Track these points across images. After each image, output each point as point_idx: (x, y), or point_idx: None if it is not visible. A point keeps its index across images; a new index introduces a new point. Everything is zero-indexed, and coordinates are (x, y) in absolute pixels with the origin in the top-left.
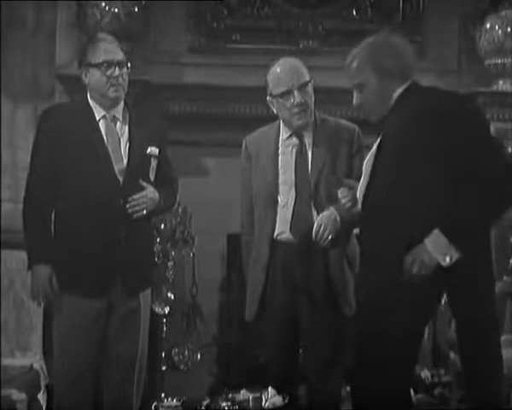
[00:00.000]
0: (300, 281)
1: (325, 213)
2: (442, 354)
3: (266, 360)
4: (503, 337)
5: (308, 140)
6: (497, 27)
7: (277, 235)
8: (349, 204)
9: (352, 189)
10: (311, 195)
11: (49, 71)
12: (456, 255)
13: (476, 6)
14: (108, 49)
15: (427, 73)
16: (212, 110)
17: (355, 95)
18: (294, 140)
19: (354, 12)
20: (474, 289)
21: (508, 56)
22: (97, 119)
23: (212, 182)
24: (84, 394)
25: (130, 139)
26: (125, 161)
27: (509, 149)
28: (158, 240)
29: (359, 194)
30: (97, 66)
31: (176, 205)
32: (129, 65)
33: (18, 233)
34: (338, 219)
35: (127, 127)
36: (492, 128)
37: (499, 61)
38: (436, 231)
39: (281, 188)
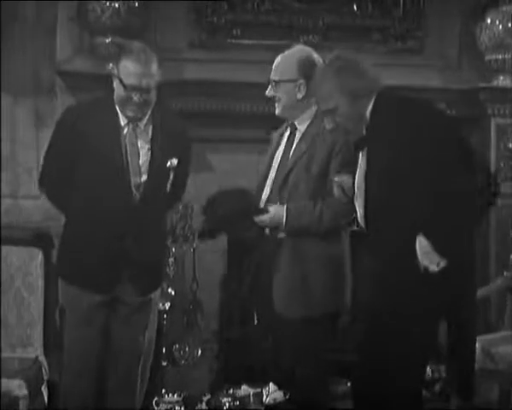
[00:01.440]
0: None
1: (275, 207)
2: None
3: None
4: (503, 334)
5: (299, 134)
6: (497, 22)
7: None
8: (344, 198)
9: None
10: (279, 186)
11: (50, 66)
12: (442, 262)
13: (477, 1)
14: (139, 71)
15: (427, 69)
16: (214, 106)
17: (326, 119)
18: (288, 132)
19: (355, 7)
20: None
21: (508, 52)
22: (122, 124)
23: (214, 178)
24: (87, 387)
25: (150, 151)
26: (142, 172)
27: (510, 145)
28: None
29: (359, 210)
30: (123, 84)
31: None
32: (154, 87)
33: (18, 229)
34: (282, 219)
35: (149, 138)
36: (493, 124)
37: (500, 56)
38: (420, 237)
39: (269, 177)
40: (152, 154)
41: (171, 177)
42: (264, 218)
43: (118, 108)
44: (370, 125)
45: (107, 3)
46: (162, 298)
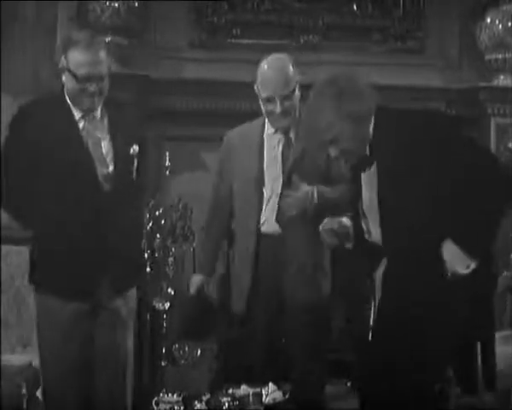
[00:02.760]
0: (284, 273)
1: (305, 186)
2: None
3: (256, 355)
4: (503, 333)
5: (294, 135)
6: (497, 22)
7: (262, 224)
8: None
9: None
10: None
11: (50, 66)
12: (472, 264)
13: (476, 1)
14: (89, 61)
15: (427, 69)
16: (213, 105)
17: (330, 148)
18: (280, 134)
19: (355, 7)
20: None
21: (508, 51)
22: (76, 119)
23: (211, 177)
24: (71, 394)
25: (111, 140)
26: (109, 162)
27: (510, 145)
28: (158, 235)
29: (373, 229)
30: (74, 76)
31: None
32: (107, 77)
33: (18, 228)
34: (314, 197)
35: (107, 127)
36: (492, 123)
37: (500, 55)
38: (447, 243)
39: (266, 179)
40: (114, 143)
41: (136, 164)
42: (298, 195)
43: (70, 102)
44: (375, 143)
45: (107, 3)
46: (162, 298)
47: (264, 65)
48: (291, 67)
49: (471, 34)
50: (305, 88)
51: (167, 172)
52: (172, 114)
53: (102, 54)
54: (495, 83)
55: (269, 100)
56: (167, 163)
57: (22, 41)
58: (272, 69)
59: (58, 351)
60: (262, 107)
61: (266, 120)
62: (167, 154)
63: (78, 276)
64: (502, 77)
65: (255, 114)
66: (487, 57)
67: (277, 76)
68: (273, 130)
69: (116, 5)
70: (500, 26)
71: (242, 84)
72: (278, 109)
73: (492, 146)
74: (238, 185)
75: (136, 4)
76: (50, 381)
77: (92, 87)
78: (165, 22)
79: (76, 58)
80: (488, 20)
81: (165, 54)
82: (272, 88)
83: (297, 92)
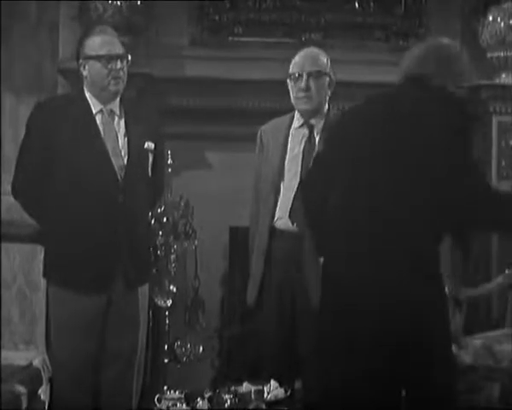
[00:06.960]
0: (296, 270)
1: None
2: None
3: (264, 350)
4: (505, 331)
5: (318, 131)
6: (499, 20)
7: (276, 220)
8: None
9: None
10: None
11: (52, 65)
12: None
13: None
14: (109, 41)
15: None
16: (214, 103)
17: None
18: (305, 130)
19: (356, 5)
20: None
21: (510, 49)
22: (94, 113)
23: (214, 175)
24: (83, 389)
25: (127, 134)
26: (124, 156)
27: (511, 143)
28: (160, 233)
29: None
30: (98, 58)
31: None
32: (129, 58)
33: (20, 226)
34: None
35: (123, 122)
36: (494, 121)
37: (502, 53)
38: None
39: (286, 175)
40: (128, 136)
41: (151, 160)
42: None
43: (90, 95)
44: None
45: (110, 1)
46: (164, 295)
47: (298, 53)
48: (324, 57)
49: (473, 32)
50: None
51: (169, 170)
52: (174, 112)
53: (117, 38)
54: (497, 81)
55: (295, 76)
56: (169, 161)
57: (24, 40)
58: (303, 53)
59: (71, 344)
60: (291, 92)
61: (295, 115)
62: (169, 152)
63: (92, 269)
64: (504, 75)
65: (257, 111)
66: (489, 55)
67: (306, 56)
68: (299, 124)
69: (118, 3)
70: (502, 24)
71: (244, 82)
72: (303, 84)
73: (494, 144)
74: (262, 180)
75: (139, 2)
76: (61, 374)
77: (118, 64)
78: (167, 20)
79: (95, 42)
80: (490, 18)
81: (167, 52)
82: (301, 63)
83: (326, 81)
